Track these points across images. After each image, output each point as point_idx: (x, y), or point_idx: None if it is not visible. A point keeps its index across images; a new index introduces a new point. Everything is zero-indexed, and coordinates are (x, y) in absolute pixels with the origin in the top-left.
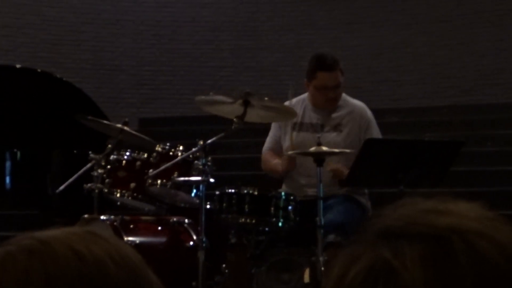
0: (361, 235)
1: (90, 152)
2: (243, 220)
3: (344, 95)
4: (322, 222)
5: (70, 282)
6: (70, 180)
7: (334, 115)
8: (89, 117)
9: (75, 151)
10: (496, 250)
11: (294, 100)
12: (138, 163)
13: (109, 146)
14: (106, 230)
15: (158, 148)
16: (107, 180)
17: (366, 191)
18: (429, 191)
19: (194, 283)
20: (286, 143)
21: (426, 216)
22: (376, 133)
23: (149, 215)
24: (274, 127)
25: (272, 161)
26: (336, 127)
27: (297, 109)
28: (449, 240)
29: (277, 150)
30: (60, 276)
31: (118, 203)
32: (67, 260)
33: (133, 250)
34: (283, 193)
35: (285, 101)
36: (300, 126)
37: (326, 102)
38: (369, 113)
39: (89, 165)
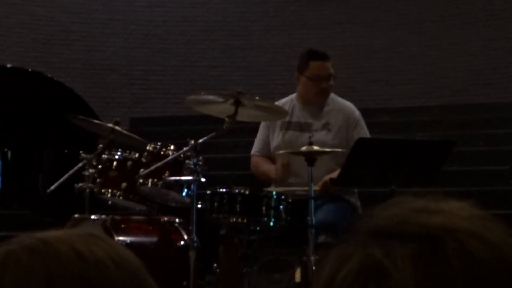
0: (352, 234)
1: (81, 151)
2: (234, 219)
3: (332, 94)
4: (313, 222)
5: (71, 282)
6: (61, 179)
7: (322, 114)
8: (80, 117)
9: (66, 151)
10: (487, 249)
11: (283, 100)
12: (129, 162)
13: (100, 145)
14: (97, 230)
15: (149, 147)
16: (98, 180)
17: (355, 190)
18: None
19: (185, 283)
20: (274, 142)
21: (417, 215)
22: (363, 132)
23: (140, 215)
24: (262, 127)
25: (263, 166)
26: (325, 126)
27: (286, 109)
28: (440, 240)
29: (266, 150)
30: (61, 276)
31: (109, 202)
32: (69, 260)
33: (132, 253)
34: (274, 193)
35: (275, 100)
36: (288, 125)
37: (318, 94)
38: (357, 112)
39: (80, 164)
